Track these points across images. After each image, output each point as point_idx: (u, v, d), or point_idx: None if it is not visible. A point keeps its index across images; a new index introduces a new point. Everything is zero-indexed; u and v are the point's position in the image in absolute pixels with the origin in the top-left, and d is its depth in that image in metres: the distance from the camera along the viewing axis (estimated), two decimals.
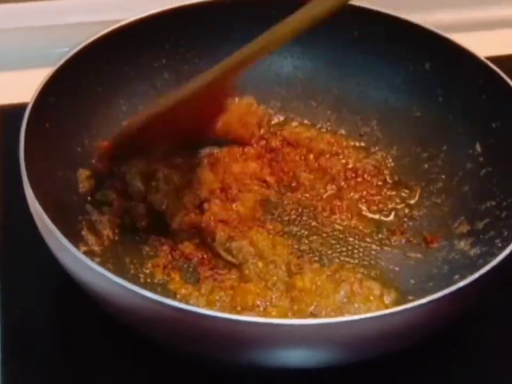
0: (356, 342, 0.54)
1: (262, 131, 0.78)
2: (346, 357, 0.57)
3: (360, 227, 0.71)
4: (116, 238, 0.68)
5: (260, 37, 0.62)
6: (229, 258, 0.68)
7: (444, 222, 0.71)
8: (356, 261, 0.68)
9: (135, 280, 0.65)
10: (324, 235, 0.71)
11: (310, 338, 0.53)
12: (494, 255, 0.57)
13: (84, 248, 0.64)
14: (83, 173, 0.70)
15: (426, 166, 0.75)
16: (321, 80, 0.81)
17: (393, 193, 0.74)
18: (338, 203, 0.73)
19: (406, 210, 0.73)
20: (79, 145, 0.71)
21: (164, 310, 0.52)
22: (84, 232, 0.66)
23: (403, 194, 0.74)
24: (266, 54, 0.64)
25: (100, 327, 0.64)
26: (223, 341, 0.53)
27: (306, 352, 0.55)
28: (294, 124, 0.81)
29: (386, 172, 0.76)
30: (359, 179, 0.75)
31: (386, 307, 0.63)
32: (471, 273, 0.55)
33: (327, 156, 0.77)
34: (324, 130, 0.80)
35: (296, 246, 0.69)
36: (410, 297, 0.63)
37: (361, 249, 0.70)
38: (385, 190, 0.75)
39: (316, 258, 0.68)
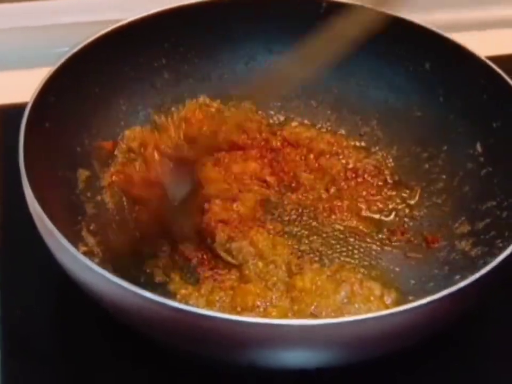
0: (356, 343, 0.54)
1: (262, 134, 0.78)
2: (347, 357, 0.57)
3: (361, 227, 0.71)
4: (116, 238, 0.68)
5: None
6: (229, 259, 0.67)
7: (445, 222, 0.70)
8: (356, 261, 0.68)
9: (134, 280, 0.64)
10: (324, 235, 0.71)
11: (310, 339, 0.53)
12: (495, 256, 0.57)
13: (83, 249, 0.64)
14: (83, 173, 0.70)
15: (426, 166, 0.75)
16: (321, 80, 0.81)
17: (394, 193, 0.74)
18: (339, 203, 0.73)
19: (407, 211, 0.73)
20: (79, 145, 0.71)
21: (163, 311, 0.52)
22: (84, 233, 0.66)
23: (403, 194, 0.74)
24: None
25: (100, 327, 0.64)
26: (223, 341, 0.53)
27: (306, 352, 0.55)
28: (294, 123, 0.80)
29: (386, 172, 0.76)
30: (359, 179, 0.75)
31: (387, 307, 0.63)
32: (472, 273, 0.55)
33: (327, 156, 0.77)
34: (324, 130, 0.80)
35: (296, 246, 0.69)
36: (410, 298, 0.63)
37: (361, 250, 0.70)
38: (385, 190, 0.75)
39: (316, 259, 0.68)
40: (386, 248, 0.70)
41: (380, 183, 0.75)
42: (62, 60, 0.68)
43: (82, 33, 0.71)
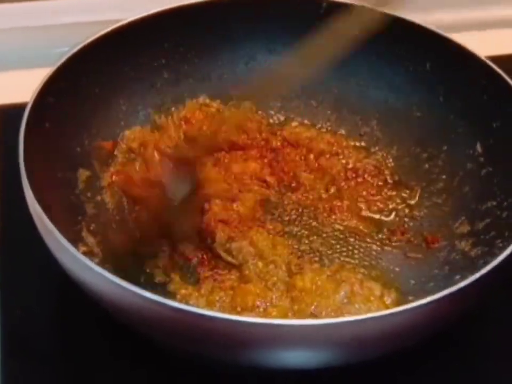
0: (356, 343, 0.54)
1: (262, 134, 0.78)
2: (347, 358, 0.57)
3: (361, 227, 0.71)
4: (116, 238, 0.68)
5: None
6: (229, 259, 0.67)
7: (445, 222, 0.70)
8: (356, 261, 0.68)
9: (134, 280, 0.64)
10: (324, 235, 0.71)
11: (310, 339, 0.53)
12: (495, 256, 0.57)
13: (83, 249, 0.64)
14: (83, 173, 0.70)
15: (426, 166, 0.75)
16: (321, 80, 0.81)
17: (394, 193, 0.74)
18: (339, 203, 0.73)
19: (407, 211, 0.73)
20: (79, 145, 0.71)
21: (163, 310, 0.52)
22: (84, 233, 0.66)
23: (403, 194, 0.74)
24: None
25: (99, 327, 0.64)
26: (223, 342, 0.53)
27: (306, 352, 0.55)
28: (294, 123, 0.80)
29: (386, 172, 0.76)
30: (359, 179, 0.75)
31: (387, 307, 0.63)
32: (472, 273, 0.55)
33: (327, 156, 0.77)
34: (324, 130, 0.80)
35: (296, 246, 0.69)
36: (410, 298, 0.63)
37: (361, 250, 0.69)
38: (385, 190, 0.75)
39: (316, 259, 0.68)
40: (386, 248, 0.70)
41: (380, 183, 0.75)
42: (62, 60, 0.68)
43: (82, 33, 0.71)
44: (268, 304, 0.64)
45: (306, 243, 0.70)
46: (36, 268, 0.68)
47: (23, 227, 0.63)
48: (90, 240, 0.65)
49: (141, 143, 0.75)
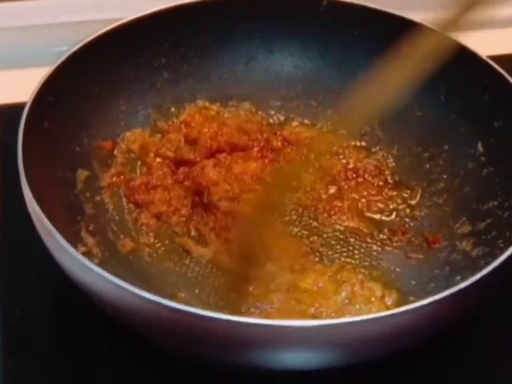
0: (357, 343, 0.54)
1: (264, 135, 0.78)
2: (347, 358, 0.57)
3: (361, 227, 0.71)
4: (115, 239, 0.68)
5: None
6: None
7: (446, 222, 0.70)
8: (357, 262, 0.68)
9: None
10: (325, 236, 0.70)
11: (310, 340, 0.53)
12: (496, 256, 0.57)
13: (82, 249, 0.63)
14: (82, 173, 0.70)
15: (427, 166, 0.75)
16: (321, 80, 0.80)
17: (394, 193, 0.74)
18: (339, 203, 0.73)
19: (407, 211, 0.73)
20: (78, 145, 0.70)
21: (162, 311, 0.51)
22: (83, 233, 0.65)
23: (404, 194, 0.74)
24: None
25: (98, 327, 0.64)
26: (223, 342, 0.53)
27: (307, 353, 0.55)
28: (294, 123, 0.80)
29: (387, 172, 0.76)
30: (359, 179, 0.75)
31: (388, 308, 0.63)
32: (473, 274, 0.55)
33: (328, 156, 0.77)
34: (325, 130, 0.80)
35: (296, 247, 0.69)
36: (411, 298, 0.63)
37: (362, 250, 0.69)
38: (386, 190, 0.74)
39: (317, 259, 0.68)
40: (387, 248, 0.70)
41: (381, 183, 0.75)
42: (61, 59, 0.68)
43: (81, 32, 0.71)
44: (268, 304, 0.63)
45: (306, 244, 0.70)
46: (34, 268, 0.68)
47: (22, 227, 0.63)
48: (90, 240, 0.65)
49: (141, 145, 0.75)
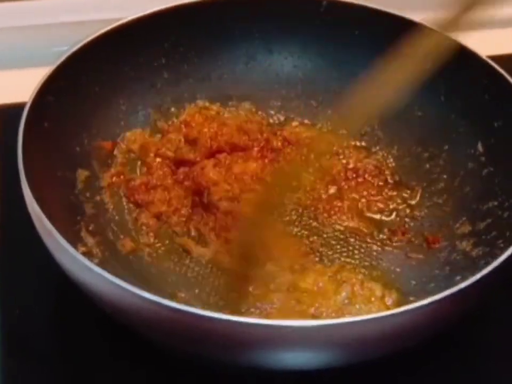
0: (357, 343, 0.54)
1: (264, 135, 0.78)
2: (347, 358, 0.57)
3: (361, 227, 0.71)
4: (115, 239, 0.68)
5: None
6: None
7: (446, 222, 0.70)
8: (357, 262, 0.68)
9: None
10: (325, 236, 0.70)
11: (310, 340, 0.52)
12: (496, 256, 0.57)
13: (82, 249, 0.63)
14: (82, 173, 0.70)
15: (427, 166, 0.75)
16: (321, 80, 0.80)
17: (394, 193, 0.74)
18: (339, 203, 0.73)
19: (407, 211, 0.72)
20: (78, 145, 0.70)
21: (162, 311, 0.51)
22: (83, 233, 0.65)
23: (404, 194, 0.74)
24: None
25: (98, 327, 0.64)
26: (223, 342, 0.53)
27: (307, 353, 0.54)
28: (294, 123, 0.80)
29: (387, 172, 0.76)
30: (359, 179, 0.75)
31: (388, 308, 0.63)
32: (473, 274, 0.55)
33: (328, 156, 0.77)
34: (324, 130, 0.80)
35: (296, 247, 0.69)
36: (411, 298, 0.63)
37: (362, 250, 0.69)
38: (386, 190, 0.74)
39: (317, 259, 0.68)
40: (387, 248, 0.70)
41: (381, 183, 0.75)
42: (61, 59, 0.68)
43: (81, 32, 0.71)
44: (268, 305, 0.63)
45: (306, 244, 0.70)
46: (34, 268, 0.68)
47: (22, 227, 0.63)
48: (90, 240, 0.65)
49: (141, 145, 0.75)
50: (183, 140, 0.76)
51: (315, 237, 0.70)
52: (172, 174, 0.73)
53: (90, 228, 0.66)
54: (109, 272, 0.53)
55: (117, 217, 0.70)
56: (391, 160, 0.77)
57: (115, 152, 0.74)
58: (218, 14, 0.77)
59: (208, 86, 0.80)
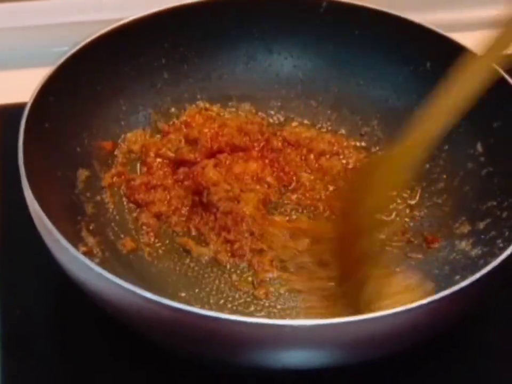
0: (357, 343, 0.54)
1: (264, 135, 0.78)
2: (347, 358, 0.57)
3: None
4: (116, 239, 0.68)
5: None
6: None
7: (445, 222, 0.70)
8: None
9: None
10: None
11: (310, 339, 0.53)
12: (495, 256, 0.57)
13: (83, 249, 0.64)
14: (82, 173, 0.70)
15: (427, 166, 0.74)
16: (321, 80, 0.81)
17: (394, 193, 0.74)
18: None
19: (407, 211, 0.72)
20: (79, 145, 0.71)
21: (163, 311, 0.51)
22: (83, 233, 0.65)
23: (404, 194, 0.74)
24: None
25: (98, 327, 0.64)
26: (223, 342, 0.53)
27: (307, 353, 0.55)
28: (294, 123, 0.80)
29: None
30: None
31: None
32: (472, 273, 0.55)
33: (328, 156, 0.77)
34: (324, 130, 0.80)
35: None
36: None
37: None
38: None
39: None
40: (386, 248, 0.70)
41: None
42: (62, 59, 0.68)
43: (82, 33, 0.71)
44: (270, 305, 0.64)
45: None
46: (35, 268, 0.68)
47: (22, 227, 0.63)
48: (90, 240, 0.65)
49: (142, 145, 0.75)
50: (183, 140, 0.76)
51: None
52: (172, 174, 0.73)
53: (91, 228, 0.66)
54: (109, 271, 0.53)
55: (117, 217, 0.70)
56: None
57: (115, 152, 0.74)
58: (218, 14, 0.78)
59: (208, 86, 0.80)
